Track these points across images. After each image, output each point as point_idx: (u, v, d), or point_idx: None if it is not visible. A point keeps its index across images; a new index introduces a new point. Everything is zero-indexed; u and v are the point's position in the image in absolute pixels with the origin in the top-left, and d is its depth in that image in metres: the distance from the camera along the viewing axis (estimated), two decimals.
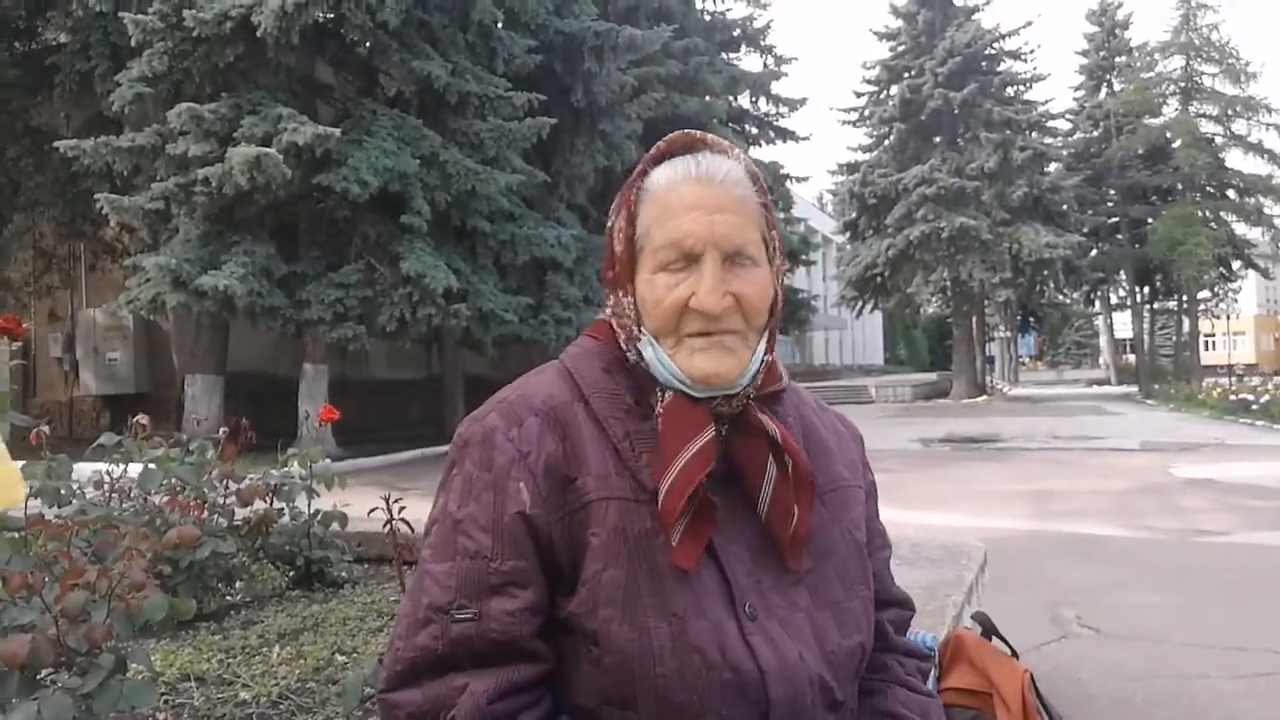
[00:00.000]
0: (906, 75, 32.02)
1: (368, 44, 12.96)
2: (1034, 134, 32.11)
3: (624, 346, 1.00)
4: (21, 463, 3.15)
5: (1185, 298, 34.83)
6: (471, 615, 0.89)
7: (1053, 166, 32.98)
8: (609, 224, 1.03)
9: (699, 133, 1.02)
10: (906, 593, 1.17)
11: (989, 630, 2.16)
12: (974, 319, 34.06)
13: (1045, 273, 30.27)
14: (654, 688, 0.87)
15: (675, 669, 0.86)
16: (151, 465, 3.48)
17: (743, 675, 0.88)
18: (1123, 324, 44.03)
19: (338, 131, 11.51)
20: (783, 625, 0.93)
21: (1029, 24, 53.44)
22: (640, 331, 0.98)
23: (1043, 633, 4.32)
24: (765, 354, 0.99)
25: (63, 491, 3.22)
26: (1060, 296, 38.38)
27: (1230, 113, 32.73)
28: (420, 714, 0.88)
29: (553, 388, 1.00)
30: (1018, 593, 4.74)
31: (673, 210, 0.95)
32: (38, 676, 1.83)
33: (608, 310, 1.04)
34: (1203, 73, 33.07)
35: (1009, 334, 45.51)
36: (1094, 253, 34.51)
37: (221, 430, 3.99)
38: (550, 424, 0.95)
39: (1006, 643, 2.12)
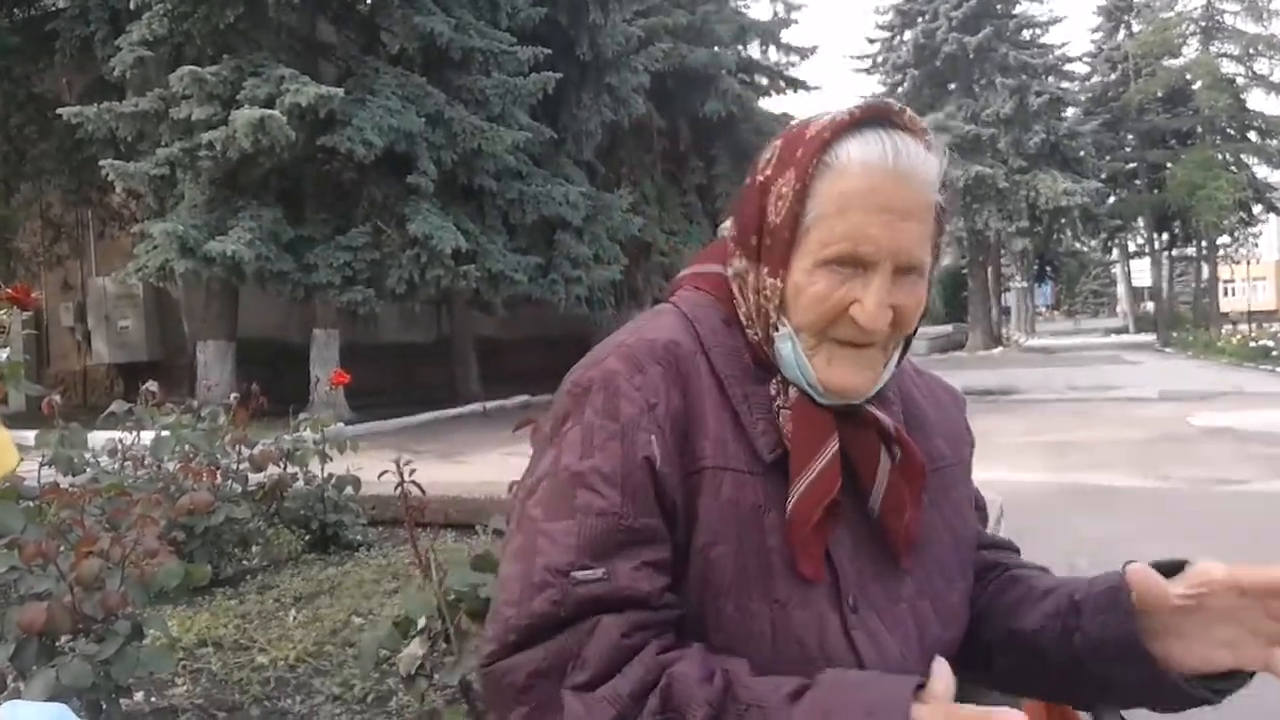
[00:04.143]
0: (920, 20, 31.50)
1: (369, 1, 12.79)
2: (1050, 78, 31.64)
3: (745, 320, 0.93)
4: (35, 431, 3.19)
5: (1204, 243, 34.51)
6: (601, 575, 0.81)
7: (1070, 111, 32.52)
8: (759, 176, 0.92)
9: (895, 104, 0.90)
10: (1005, 540, 1.13)
11: None
12: (990, 269, 33.82)
13: (1062, 221, 30.03)
14: None
15: (771, 657, 0.83)
16: (164, 432, 3.57)
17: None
18: (1140, 272, 43.65)
19: (341, 91, 11.40)
20: (883, 618, 0.89)
21: None
22: (780, 321, 0.90)
23: None
24: (897, 364, 0.94)
25: (76, 460, 3.28)
26: (1077, 245, 38.09)
27: (1252, 52, 32.18)
28: (544, 670, 0.80)
29: (675, 334, 0.93)
30: (1035, 544, 4.65)
31: (858, 204, 0.84)
32: (56, 643, 1.88)
33: (730, 270, 0.96)
34: (1224, 10, 32.42)
35: (1025, 284, 45.12)
36: (1112, 199, 34.16)
37: (233, 396, 4.08)
38: (674, 375, 0.89)
39: None
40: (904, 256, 0.85)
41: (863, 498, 0.91)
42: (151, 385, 3.87)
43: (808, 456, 0.87)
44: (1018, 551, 1.11)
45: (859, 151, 0.85)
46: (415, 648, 1.90)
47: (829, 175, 0.86)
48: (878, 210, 0.84)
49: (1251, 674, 0.82)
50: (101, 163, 11.71)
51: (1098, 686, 0.91)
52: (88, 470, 3.36)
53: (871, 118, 0.87)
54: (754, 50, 22.69)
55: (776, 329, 0.90)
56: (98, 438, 3.67)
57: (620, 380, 0.87)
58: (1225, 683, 0.84)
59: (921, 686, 0.73)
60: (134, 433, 3.71)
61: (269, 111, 10.76)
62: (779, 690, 0.76)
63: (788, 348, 0.89)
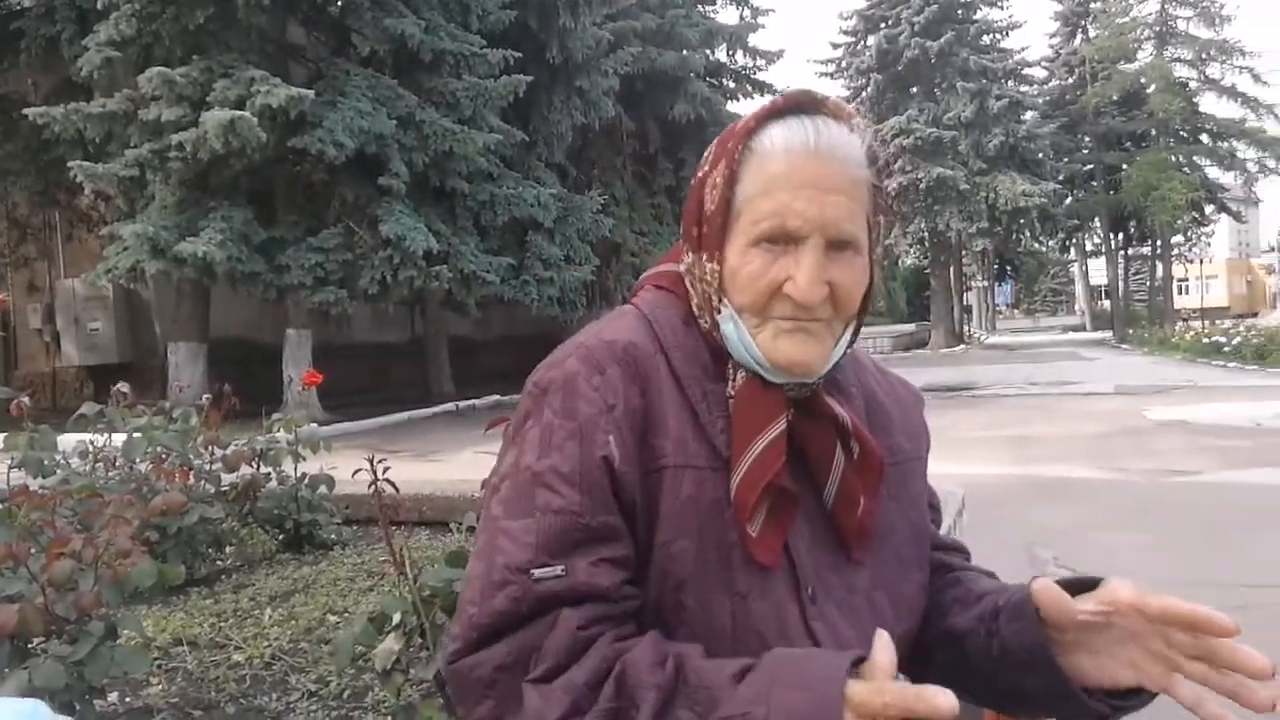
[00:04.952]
0: (883, 25, 31.86)
1: (339, 3, 12.77)
2: (1010, 82, 32.14)
3: (696, 311, 0.94)
4: (4, 434, 3.17)
5: (1159, 243, 35.16)
6: (559, 573, 0.82)
7: (1029, 115, 33.04)
8: (700, 173, 0.94)
9: (820, 93, 0.92)
10: (956, 541, 1.14)
11: None
12: (951, 269, 34.31)
13: (1021, 221, 30.52)
14: None
15: (732, 649, 0.83)
16: (136, 434, 3.50)
17: None
18: (1097, 270, 44.39)
19: (311, 93, 11.39)
20: (839, 609, 0.90)
21: None
22: (722, 303, 0.91)
23: (1020, 573, 4.29)
24: (848, 345, 0.94)
25: (46, 462, 3.25)
26: (1036, 245, 38.70)
27: (1205, 56, 32.79)
28: (508, 665, 0.81)
29: (634, 335, 0.93)
30: (995, 535, 4.85)
31: (783, 183, 0.86)
32: (28, 645, 1.85)
33: (682, 266, 0.97)
34: (1177, 16, 33.06)
35: (986, 283, 45.78)
36: (1069, 200, 34.73)
37: (205, 397, 4.03)
38: (633, 375, 0.89)
39: None
40: (832, 229, 0.86)
41: (818, 490, 0.92)
42: (123, 386, 3.82)
43: (751, 435, 0.87)
44: (967, 554, 1.12)
45: (781, 135, 0.88)
46: (391, 643, 1.89)
47: (755, 160, 0.88)
48: (801, 186, 0.85)
49: (1154, 694, 0.84)
50: (70, 164, 11.58)
51: (1010, 694, 0.92)
52: (58, 472, 3.30)
53: (795, 105, 0.90)
54: (721, 54, 22.88)
55: (719, 312, 0.91)
56: (68, 440, 3.58)
57: (579, 381, 0.88)
58: (1129, 699, 0.85)
59: (862, 660, 0.74)
60: (105, 434, 3.64)
61: (239, 113, 10.72)
62: (723, 671, 0.77)
63: (730, 327, 0.90)
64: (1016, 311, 74.45)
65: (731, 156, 0.89)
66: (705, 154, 0.95)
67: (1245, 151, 32.76)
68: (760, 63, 23.48)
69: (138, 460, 3.48)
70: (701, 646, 0.82)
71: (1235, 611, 0.80)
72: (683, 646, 0.81)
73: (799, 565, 0.89)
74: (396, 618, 1.91)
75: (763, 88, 23.18)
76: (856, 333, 0.94)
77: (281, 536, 3.96)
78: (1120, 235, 37.04)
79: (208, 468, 3.69)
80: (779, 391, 0.89)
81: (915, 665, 1.00)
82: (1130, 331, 30.87)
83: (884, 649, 0.74)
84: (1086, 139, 35.57)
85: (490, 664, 0.82)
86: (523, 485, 0.86)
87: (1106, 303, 42.05)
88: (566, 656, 0.79)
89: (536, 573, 0.82)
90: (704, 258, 0.92)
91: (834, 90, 33.40)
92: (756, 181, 0.88)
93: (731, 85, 23.33)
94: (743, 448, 0.87)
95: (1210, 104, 38.73)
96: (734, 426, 0.88)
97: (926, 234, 32.19)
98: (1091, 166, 35.57)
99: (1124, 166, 33.11)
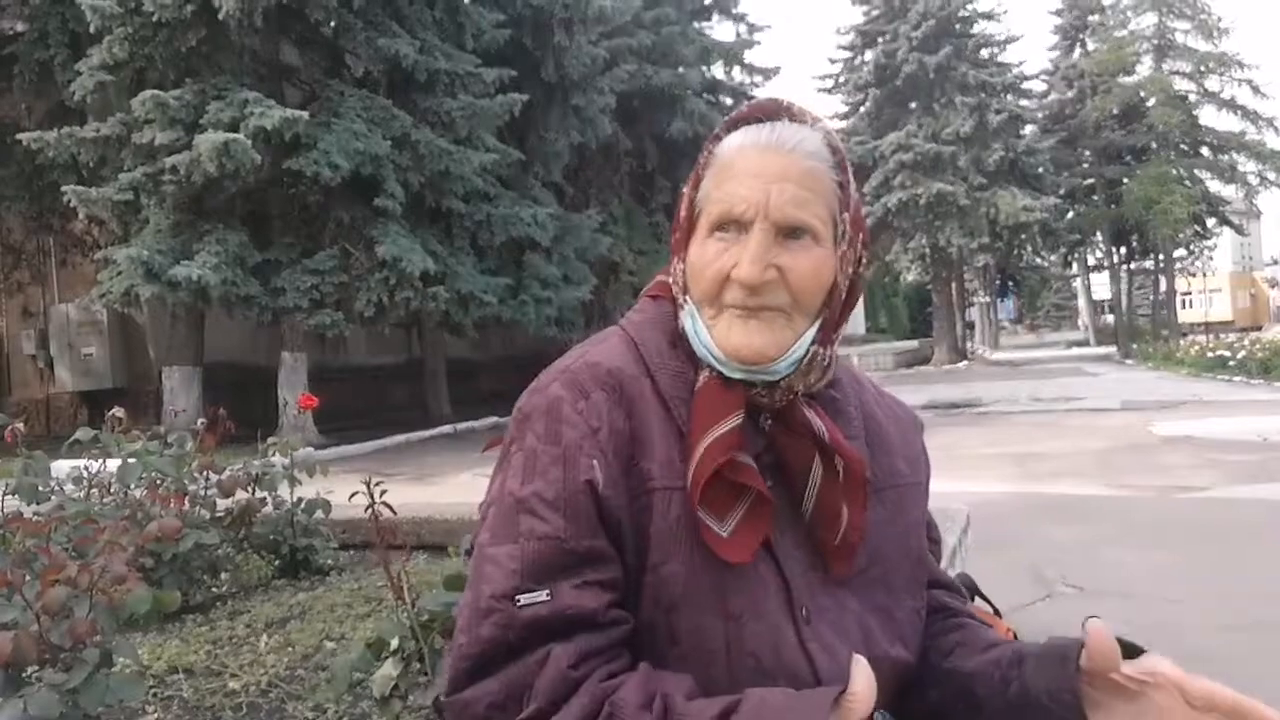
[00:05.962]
0: (881, 40, 32.00)
1: (332, 23, 12.77)
2: (1009, 96, 32.22)
3: (678, 317, 0.97)
4: None
5: (1161, 257, 35.18)
6: (544, 598, 0.82)
7: (1028, 129, 33.14)
8: (686, 187, 1.00)
9: (785, 100, 0.96)
10: (955, 580, 1.13)
11: (972, 592, 2.16)
12: (953, 285, 34.27)
13: (1023, 236, 30.54)
14: (705, 690, 0.83)
15: (727, 672, 0.84)
16: (130, 459, 3.51)
17: (798, 682, 0.84)
18: (1100, 285, 44.40)
19: (306, 114, 11.39)
20: (833, 629, 0.89)
21: None
22: (685, 299, 0.94)
23: (1027, 593, 4.35)
24: (814, 342, 0.92)
25: (40, 488, 3.26)
26: (1038, 259, 38.65)
27: (1203, 69, 32.94)
28: (500, 703, 0.81)
29: (619, 359, 0.94)
30: (1001, 554, 4.77)
31: (733, 174, 0.90)
32: (22, 674, 1.84)
33: (670, 276, 1.01)
34: (1175, 29, 33.23)
35: (988, 299, 45.74)
36: (1070, 214, 34.76)
37: (200, 421, 4.07)
38: (618, 399, 0.90)
39: (990, 604, 2.11)
40: (778, 213, 0.87)
41: (798, 504, 0.91)
42: (117, 411, 3.81)
43: (704, 428, 0.87)
44: (963, 594, 1.13)
45: (739, 137, 0.92)
46: (389, 669, 1.89)
47: (717, 163, 0.93)
48: (750, 175, 0.89)
49: None
50: (64, 188, 11.62)
51: None
52: (52, 498, 3.31)
53: (759, 112, 0.94)
54: (718, 71, 23.02)
55: (682, 308, 0.94)
56: (62, 466, 3.61)
57: (563, 406, 0.88)
58: None
59: (843, 693, 0.75)
60: (99, 460, 3.65)
61: (233, 135, 10.73)
62: (705, 714, 0.77)
63: (689, 323, 0.92)
64: (1020, 327, 74.47)
65: (700, 163, 0.95)
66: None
67: (1246, 164, 32.86)
68: (757, 79, 23.61)
69: (132, 486, 3.48)
70: (691, 679, 0.82)
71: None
72: (671, 683, 0.80)
73: (792, 585, 0.88)
74: (394, 643, 1.92)
75: None
76: (827, 332, 0.93)
77: (277, 562, 3.93)
78: (1122, 249, 37.06)
79: (203, 493, 3.68)
80: (739, 390, 0.90)
81: (905, 700, 0.98)
82: (1134, 346, 30.78)
83: (862, 676, 0.76)
84: (1087, 153, 35.64)
85: (483, 701, 0.82)
86: (507, 511, 0.87)
87: (1110, 317, 42.02)
88: (557, 697, 0.79)
89: (522, 599, 0.82)
90: (676, 259, 0.96)
91: (833, 105, 33.59)
92: (715, 179, 0.92)
93: (729, 102, 23.37)
94: (694, 444, 0.87)
95: (1210, 117, 38.72)
96: (692, 422, 0.89)
97: (927, 250, 32.16)
98: (1092, 180, 35.62)
99: (1125, 180, 33.15)
